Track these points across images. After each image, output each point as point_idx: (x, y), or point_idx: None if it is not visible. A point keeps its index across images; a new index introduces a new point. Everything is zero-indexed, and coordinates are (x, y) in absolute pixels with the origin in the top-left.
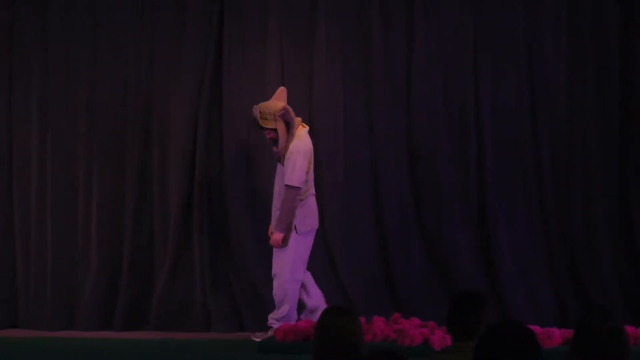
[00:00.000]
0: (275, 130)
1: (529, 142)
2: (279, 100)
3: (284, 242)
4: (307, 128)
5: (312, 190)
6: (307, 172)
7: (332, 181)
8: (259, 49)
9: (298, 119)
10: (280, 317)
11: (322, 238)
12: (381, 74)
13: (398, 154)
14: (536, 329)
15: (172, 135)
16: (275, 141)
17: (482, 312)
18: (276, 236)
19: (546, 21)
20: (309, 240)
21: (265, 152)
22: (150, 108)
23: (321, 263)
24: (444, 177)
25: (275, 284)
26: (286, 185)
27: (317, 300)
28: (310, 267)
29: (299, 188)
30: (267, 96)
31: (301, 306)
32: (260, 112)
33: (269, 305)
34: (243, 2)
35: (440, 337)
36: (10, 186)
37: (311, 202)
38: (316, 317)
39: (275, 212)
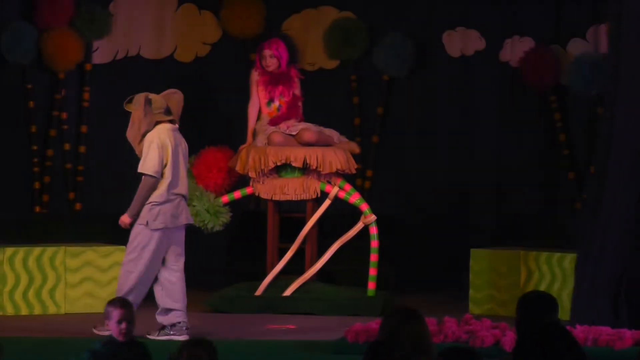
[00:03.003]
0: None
1: None
2: (166, 97)
3: (131, 226)
4: (174, 126)
5: (181, 191)
6: (165, 166)
7: None
8: None
9: (168, 117)
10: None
11: None
12: None
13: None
14: (606, 330)
15: None
16: None
17: (550, 313)
18: (124, 218)
19: None
20: (164, 238)
21: None
22: None
23: None
24: None
25: (122, 271)
26: (140, 173)
27: (175, 300)
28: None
29: (153, 177)
30: None
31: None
32: (135, 97)
33: None
34: None
35: (511, 339)
36: None
37: (176, 203)
38: (170, 317)
39: None
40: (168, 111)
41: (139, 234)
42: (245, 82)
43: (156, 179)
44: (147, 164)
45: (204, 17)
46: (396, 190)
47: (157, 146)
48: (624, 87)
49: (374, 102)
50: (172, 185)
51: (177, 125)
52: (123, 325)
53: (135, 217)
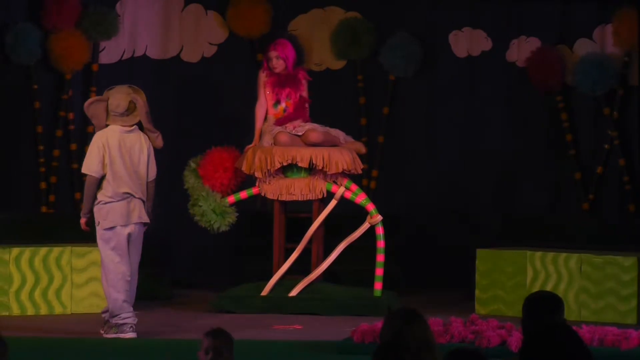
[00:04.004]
0: None
1: None
2: (126, 98)
3: (87, 225)
4: (127, 128)
5: (130, 190)
6: (105, 166)
7: None
8: None
9: (125, 119)
10: (109, 309)
11: None
12: None
13: None
14: (612, 330)
15: None
16: None
17: (556, 313)
18: (81, 219)
19: None
20: (118, 236)
21: None
22: None
23: None
24: None
25: (111, 274)
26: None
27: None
28: None
29: (92, 176)
30: None
31: None
32: (115, 87)
33: None
34: None
35: (517, 339)
36: None
37: (126, 202)
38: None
39: None
40: (126, 112)
41: (98, 237)
42: (252, 82)
43: (96, 178)
44: (86, 164)
45: (211, 17)
46: (402, 190)
47: (97, 147)
48: None
49: (380, 102)
50: (116, 185)
51: (132, 128)
52: (209, 356)
53: (88, 216)
